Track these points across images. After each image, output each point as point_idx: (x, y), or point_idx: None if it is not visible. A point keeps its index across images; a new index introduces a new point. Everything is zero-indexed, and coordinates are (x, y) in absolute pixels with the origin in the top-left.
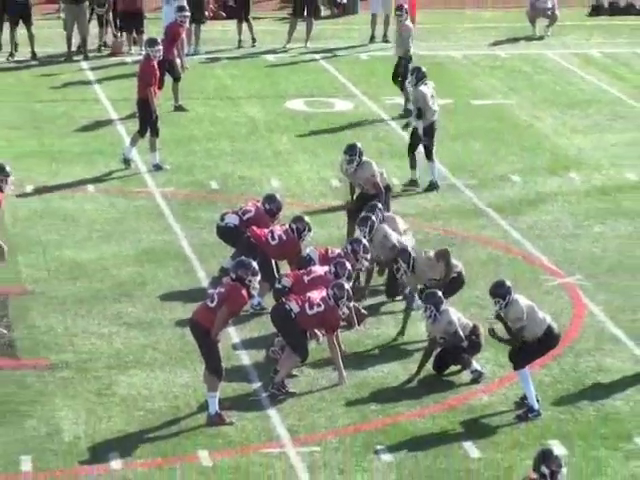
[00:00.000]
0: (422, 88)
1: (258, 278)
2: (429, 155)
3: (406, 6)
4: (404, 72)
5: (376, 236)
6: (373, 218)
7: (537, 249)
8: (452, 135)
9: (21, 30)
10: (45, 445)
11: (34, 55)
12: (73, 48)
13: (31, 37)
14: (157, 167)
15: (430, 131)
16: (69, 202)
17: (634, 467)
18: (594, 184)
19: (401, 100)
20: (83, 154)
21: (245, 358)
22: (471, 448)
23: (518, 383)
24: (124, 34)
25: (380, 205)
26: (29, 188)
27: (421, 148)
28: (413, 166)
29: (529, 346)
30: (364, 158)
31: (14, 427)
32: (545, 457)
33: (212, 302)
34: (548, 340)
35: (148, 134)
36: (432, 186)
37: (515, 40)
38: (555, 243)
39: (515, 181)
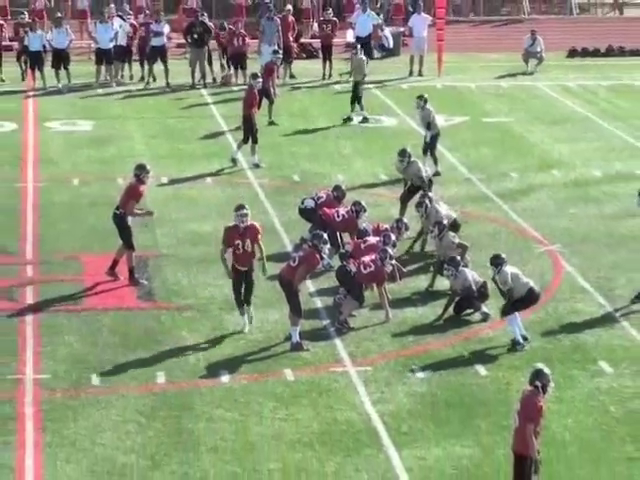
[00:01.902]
0: (428, 107)
1: (328, 246)
2: (433, 153)
3: (358, 45)
4: (359, 93)
5: (430, 212)
6: (426, 202)
7: (529, 225)
8: (468, 143)
9: (160, 66)
10: (174, 364)
11: (168, 84)
12: (196, 80)
13: (166, 71)
14: (256, 165)
15: (435, 138)
16: (193, 190)
17: (597, 382)
18: (570, 178)
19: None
20: (203, 155)
21: (318, 303)
22: (480, 368)
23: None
24: (232, 69)
25: (430, 194)
26: (164, 180)
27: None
28: (435, 162)
29: (515, 301)
30: (412, 158)
31: (152, 351)
32: (539, 374)
33: (294, 262)
34: (529, 298)
35: (250, 141)
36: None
37: (514, 75)
38: (542, 221)
39: (513, 176)
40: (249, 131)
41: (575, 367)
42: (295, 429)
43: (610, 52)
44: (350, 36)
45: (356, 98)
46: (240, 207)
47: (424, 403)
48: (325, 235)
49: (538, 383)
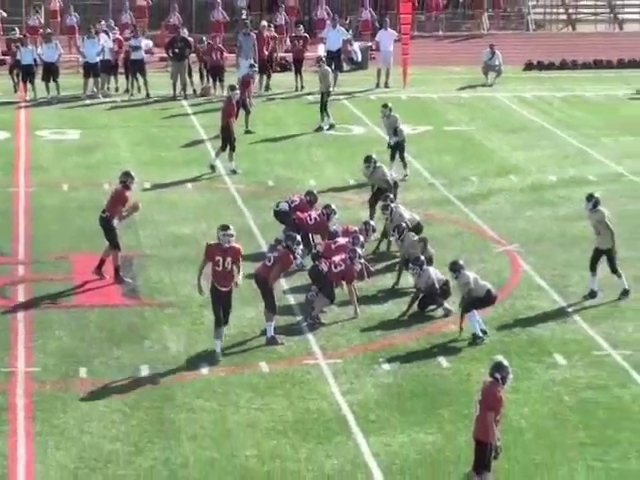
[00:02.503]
0: (394, 114)
1: (301, 247)
2: (402, 158)
3: (324, 57)
4: (326, 102)
5: (394, 216)
6: (391, 205)
7: (488, 227)
8: (431, 150)
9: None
10: (157, 357)
11: (148, 95)
12: (177, 91)
13: (145, 83)
14: (233, 171)
15: (402, 144)
16: (174, 194)
17: (551, 373)
18: (526, 183)
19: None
20: (183, 162)
21: (291, 300)
22: (443, 361)
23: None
24: (211, 82)
25: (392, 196)
26: (147, 185)
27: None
28: (404, 166)
29: (474, 301)
30: (377, 164)
31: (136, 345)
32: (498, 366)
33: (269, 262)
34: (487, 299)
35: (228, 149)
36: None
37: (474, 86)
38: (500, 223)
39: (473, 181)
40: (227, 139)
41: (531, 359)
42: (270, 418)
43: (564, 65)
44: (321, 50)
45: (324, 107)
46: (226, 227)
47: (390, 393)
48: (298, 237)
49: (498, 375)
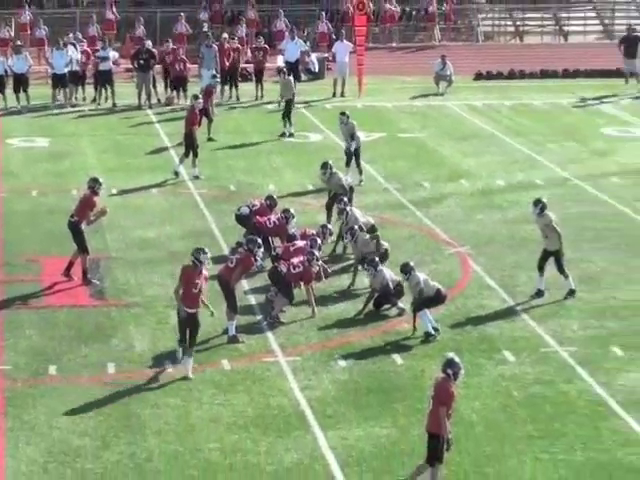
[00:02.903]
0: (351, 121)
1: (261, 249)
2: (358, 164)
3: (285, 69)
4: (290, 111)
5: (350, 220)
6: (347, 209)
7: (440, 230)
8: (385, 156)
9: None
10: (123, 355)
11: (114, 105)
12: (142, 101)
13: (112, 92)
14: (196, 177)
15: (358, 150)
16: (140, 199)
17: (501, 369)
18: (477, 188)
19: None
20: (148, 168)
21: (252, 300)
22: (397, 358)
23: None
24: (174, 92)
25: (346, 199)
26: (114, 190)
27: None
28: (360, 172)
29: (425, 300)
30: (334, 170)
31: (103, 344)
32: (450, 363)
33: (232, 263)
34: (437, 299)
35: (191, 155)
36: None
37: (426, 95)
38: (451, 225)
39: (426, 186)
40: (190, 146)
41: (482, 356)
42: (232, 413)
43: (512, 75)
44: (280, 61)
45: (287, 115)
46: (202, 251)
47: (347, 389)
48: (259, 240)
49: (450, 371)
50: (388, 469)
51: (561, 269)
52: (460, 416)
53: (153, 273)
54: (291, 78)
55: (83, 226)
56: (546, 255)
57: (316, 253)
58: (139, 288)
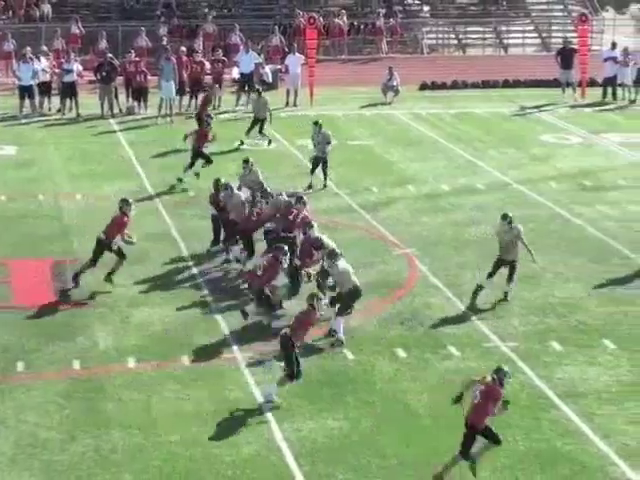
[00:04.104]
0: (324, 130)
1: (287, 256)
2: (325, 170)
3: (260, 88)
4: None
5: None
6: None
7: (388, 232)
8: (336, 163)
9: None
10: (88, 353)
11: (78, 115)
12: (104, 111)
13: (76, 103)
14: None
15: (325, 158)
16: (104, 203)
17: (447, 364)
18: (423, 192)
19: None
20: (112, 175)
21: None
22: (348, 353)
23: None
24: (135, 102)
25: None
26: (79, 196)
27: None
28: (325, 177)
29: (346, 299)
30: (254, 167)
31: (69, 342)
32: (499, 371)
33: (260, 270)
34: (354, 294)
35: (189, 162)
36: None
37: (374, 105)
38: (399, 228)
39: (375, 191)
40: (200, 157)
41: (428, 351)
42: (192, 407)
43: (455, 85)
44: (235, 73)
45: (260, 129)
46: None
47: (301, 383)
48: (285, 247)
49: (496, 377)
50: (340, 459)
51: (511, 278)
52: (409, 409)
53: (117, 275)
54: (267, 98)
55: (115, 243)
56: (501, 264)
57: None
58: (103, 289)
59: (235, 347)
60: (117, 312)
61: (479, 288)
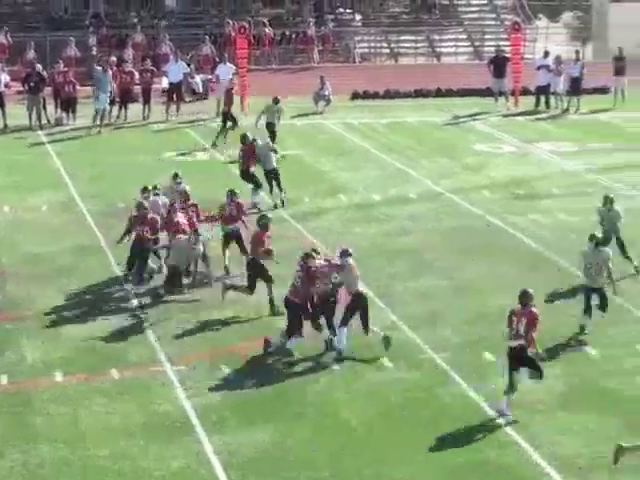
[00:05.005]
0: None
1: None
2: (279, 183)
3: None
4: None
5: None
6: None
7: (319, 242)
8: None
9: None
10: (16, 367)
11: (5, 126)
12: (32, 122)
13: (4, 114)
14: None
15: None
16: (31, 215)
17: (379, 375)
18: (354, 202)
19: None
20: (39, 187)
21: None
22: (279, 365)
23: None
24: (64, 112)
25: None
26: (6, 208)
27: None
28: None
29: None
30: (181, 181)
31: None
32: (526, 294)
33: (297, 283)
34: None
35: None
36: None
37: (306, 114)
38: (330, 238)
39: (306, 201)
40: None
41: (361, 362)
42: (121, 421)
43: (387, 95)
44: (165, 82)
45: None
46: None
47: (231, 396)
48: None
49: (530, 302)
50: (271, 472)
51: (603, 308)
52: (340, 422)
53: (44, 287)
54: (282, 106)
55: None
56: (590, 293)
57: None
58: (31, 302)
59: (165, 360)
60: (45, 325)
61: (582, 330)
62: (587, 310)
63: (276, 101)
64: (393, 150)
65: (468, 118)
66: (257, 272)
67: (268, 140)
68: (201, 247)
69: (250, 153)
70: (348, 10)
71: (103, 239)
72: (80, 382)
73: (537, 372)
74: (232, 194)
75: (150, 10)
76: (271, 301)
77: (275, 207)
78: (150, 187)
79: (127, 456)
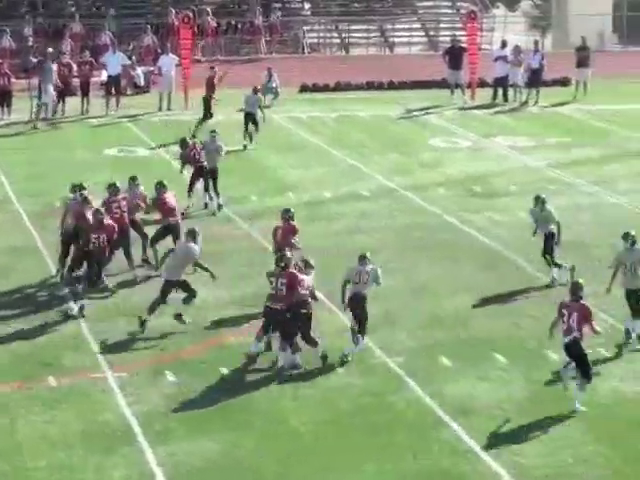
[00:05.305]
0: (221, 144)
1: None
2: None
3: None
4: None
5: None
6: None
7: (267, 242)
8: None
9: None
10: None
11: None
12: None
13: None
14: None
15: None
16: None
17: (330, 382)
18: (304, 200)
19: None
20: None
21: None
22: (225, 371)
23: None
24: None
25: None
26: None
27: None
28: (211, 198)
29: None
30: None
31: None
32: (578, 286)
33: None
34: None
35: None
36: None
37: None
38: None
39: (253, 199)
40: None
41: (310, 367)
42: (59, 430)
43: (338, 87)
44: (104, 75)
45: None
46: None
47: (176, 404)
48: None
49: (580, 294)
50: None
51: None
52: (289, 429)
53: None
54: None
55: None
56: (630, 296)
57: None
58: None
59: (105, 366)
60: None
61: (627, 335)
62: (635, 314)
63: (255, 91)
64: (344, 145)
65: (423, 112)
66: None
67: (216, 136)
68: None
69: (192, 156)
70: None
71: (40, 239)
72: (16, 390)
73: (585, 379)
74: (161, 186)
75: None
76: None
77: (205, 206)
78: (79, 185)
79: (66, 467)
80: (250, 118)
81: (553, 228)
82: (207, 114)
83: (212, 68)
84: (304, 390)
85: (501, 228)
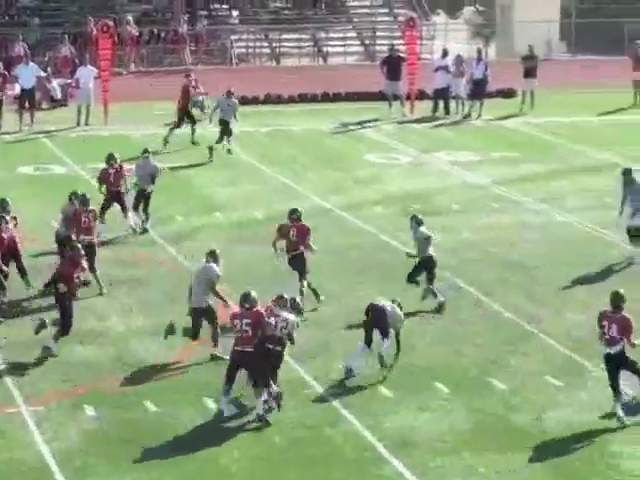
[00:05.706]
0: (155, 163)
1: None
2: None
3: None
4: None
5: None
6: None
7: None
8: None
9: None
10: None
11: None
12: None
13: None
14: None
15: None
16: None
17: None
18: (233, 220)
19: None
20: None
21: None
22: (149, 404)
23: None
24: None
25: None
26: None
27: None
28: (147, 217)
29: None
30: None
31: None
32: (619, 296)
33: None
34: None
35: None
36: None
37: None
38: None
39: (178, 219)
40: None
41: (242, 399)
42: None
43: (268, 100)
44: (17, 89)
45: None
46: None
47: (96, 440)
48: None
49: (622, 305)
50: None
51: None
52: (219, 468)
53: None
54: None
55: None
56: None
57: None
58: None
59: (20, 400)
60: None
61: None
62: None
63: (229, 94)
64: (276, 162)
65: (359, 126)
66: (302, 265)
67: (149, 156)
68: None
69: (121, 174)
70: (224, 6)
71: None
72: None
73: None
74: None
75: (1, 6)
76: (314, 290)
77: (133, 230)
78: None
79: None
80: (224, 125)
81: (427, 250)
82: (180, 124)
83: (187, 76)
84: (235, 423)
85: (442, 249)
